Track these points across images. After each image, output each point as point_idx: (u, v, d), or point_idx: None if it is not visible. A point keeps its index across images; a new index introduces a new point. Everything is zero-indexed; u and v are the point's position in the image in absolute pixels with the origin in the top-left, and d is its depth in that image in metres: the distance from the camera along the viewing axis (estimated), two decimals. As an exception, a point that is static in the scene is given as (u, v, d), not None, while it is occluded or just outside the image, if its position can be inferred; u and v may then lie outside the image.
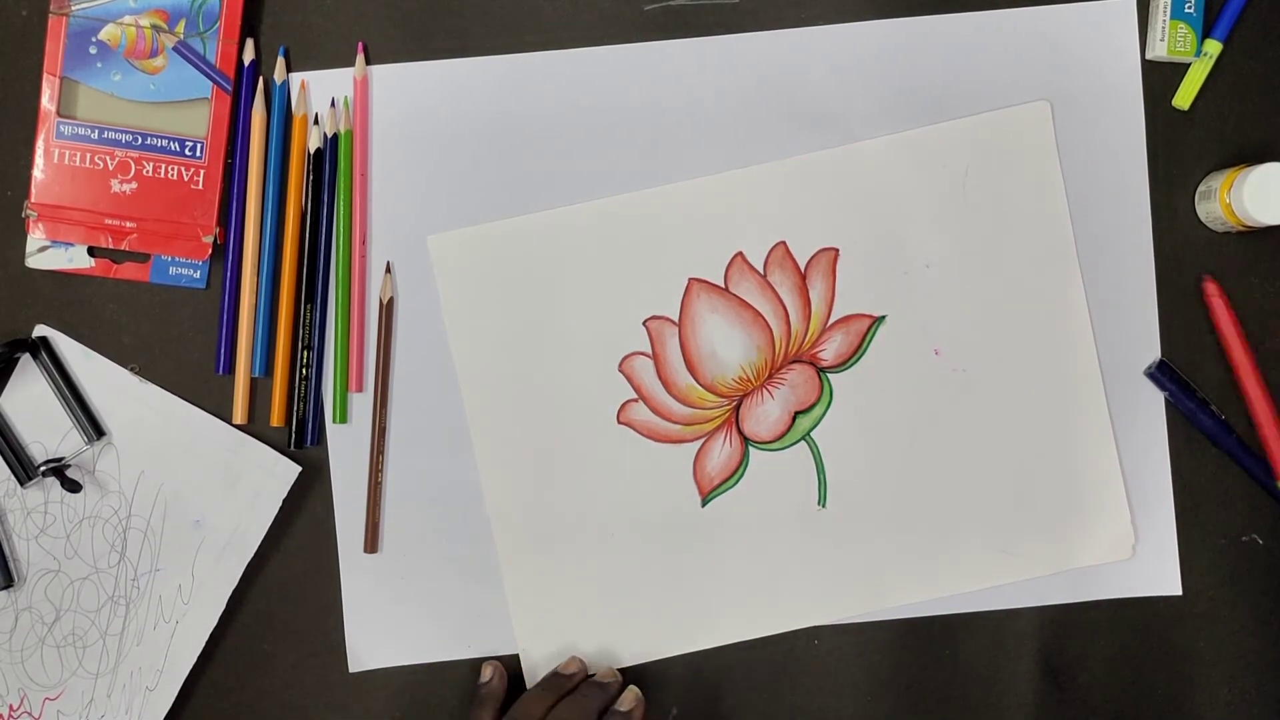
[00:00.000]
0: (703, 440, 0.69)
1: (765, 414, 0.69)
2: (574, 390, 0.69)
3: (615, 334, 0.69)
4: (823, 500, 0.69)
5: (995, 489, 0.69)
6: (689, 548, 0.69)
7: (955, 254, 0.68)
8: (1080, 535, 0.69)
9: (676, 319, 0.69)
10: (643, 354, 0.69)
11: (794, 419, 0.69)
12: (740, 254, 0.69)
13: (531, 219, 0.69)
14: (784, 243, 0.69)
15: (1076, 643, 0.69)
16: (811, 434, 0.69)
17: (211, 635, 0.68)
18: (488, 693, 0.68)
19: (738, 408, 0.69)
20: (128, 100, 0.67)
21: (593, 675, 0.68)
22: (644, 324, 0.69)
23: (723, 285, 0.69)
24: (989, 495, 0.69)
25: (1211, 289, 0.68)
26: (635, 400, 0.69)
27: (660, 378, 0.69)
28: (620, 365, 0.69)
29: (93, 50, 0.67)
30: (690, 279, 0.69)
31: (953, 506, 0.69)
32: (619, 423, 0.69)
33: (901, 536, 0.69)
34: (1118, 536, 0.69)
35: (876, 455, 0.69)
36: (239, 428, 0.69)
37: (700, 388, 0.69)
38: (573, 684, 0.67)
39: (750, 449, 0.69)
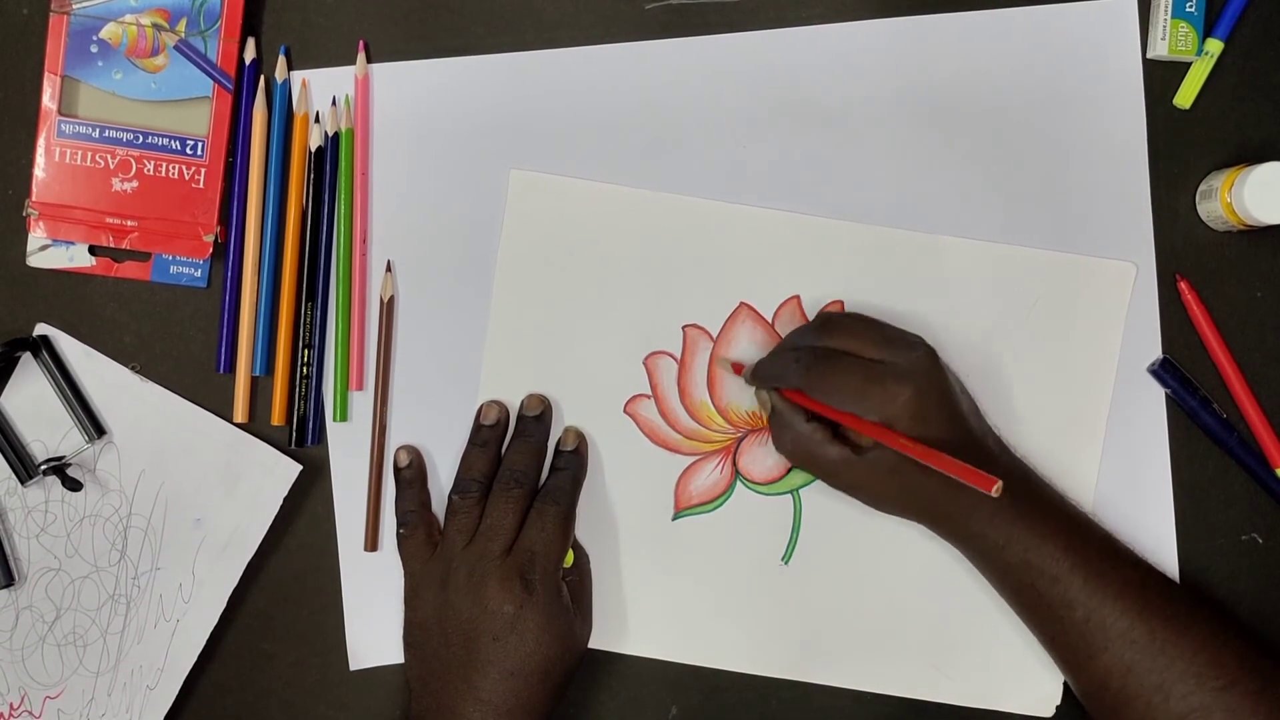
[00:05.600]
0: (696, 459, 0.69)
1: (764, 455, 0.69)
2: (593, 367, 0.69)
3: (651, 327, 0.69)
4: (787, 557, 0.69)
5: (953, 607, 0.69)
6: (646, 554, 0.69)
7: (994, 373, 0.68)
8: (1011, 678, 0.69)
9: (715, 335, 0.69)
10: (670, 355, 0.69)
11: (789, 470, 0.69)
12: (797, 298, 0.69)
13: (616, 189, 0.68)
14: (841, 304, 0.69)
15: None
16: (800, 490, 0.69)
17: (212, 634, 0.69)
18: (411, 476, 0.68)
19: (740, 440, 0.69)
20: (129, 99, 0.67)
21: (524, 413, 0.68)
22: (683, 328, 0.69)
23: (770, 320, 0.69)
24: (944, 609, 0.69)
25: (1184, 288, 0.68)
26: (648, 396, 0.69)
27: (679, 384, 0.69)
28: (645, 359, 0.69)
29: (94, 49, 0.67)
30: (741, 302, 0.69)
31: (905, 606, 0.69)
32: (624, 412, 0.69)
33: (848, 618, 0.69)
34: (1045, 694, 0.69)
35: (853, 534, 0.69)
36: (239, 426, 0.69)
37: (713, 408, 0.69)
38: (502, 430, 0.68)
39: (738, 483, 0.69)
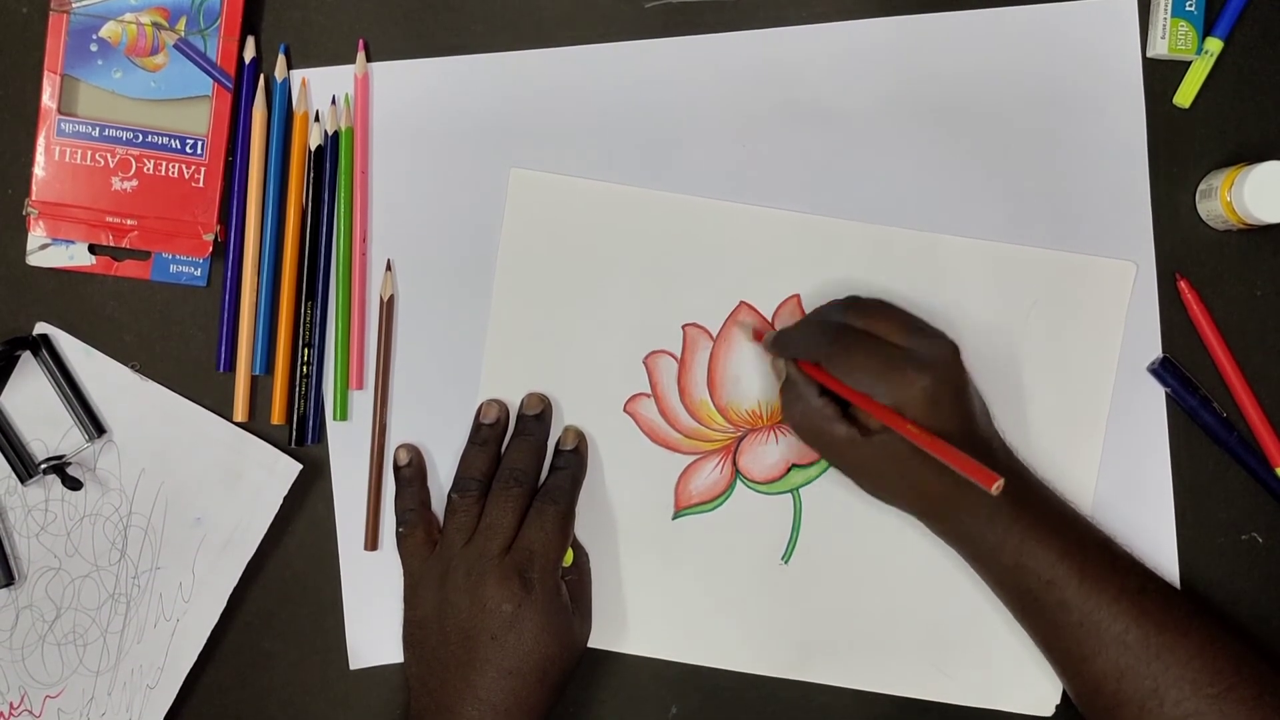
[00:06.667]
0: (696, 458, 0.69)
1: (764, 454, 0.69)
2: (593, 366, 0.69)
3: (651, 327, 0.69)
4: (787, 557, 0.69)
5: (953, 606, 0.69)
6: (646, 553, 0.69)
7: (994, 373, 0.68)
8: (1010, 678, 0.69)
9: (715, 334, 0.69)
10: (670, 355, 0.69)
11: (789, 469, 0.69)
12: (797, 297, 0.69)
13: (616, 189, 0.68)
14: None
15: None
16: (800, 489, 0.69)
17: (212, 633, 0.69)
18: (411, 475, 0.68)
19: (740, 439, 0.69)
20: (129, 98, 0.67)
21: (524, 412, 0.68)
22: (682, 327, 0.69)
23: (770, 320, 0.69)
24: (944, 609, 0.69)
25: (1184, 287, 0.68)
26: (647, 395, 0.69)
27: (679, 383, 0.69)
28: (645, 358, 0.69)
29: (93, 48, 0.67)
30: (741, 302, 0.69)
31: (905, 606, 0.69)
32: (624, 411, 0.69)
33: (848, 618, 0.69)
34: (1044, 694, 0.69)
35: (853, 532, 0.69)
36: (240, 425, 0.69)
37: (713, 407, 0.69)
38: (501, 428, 0.68)
39: (738, 483, 0.69)
